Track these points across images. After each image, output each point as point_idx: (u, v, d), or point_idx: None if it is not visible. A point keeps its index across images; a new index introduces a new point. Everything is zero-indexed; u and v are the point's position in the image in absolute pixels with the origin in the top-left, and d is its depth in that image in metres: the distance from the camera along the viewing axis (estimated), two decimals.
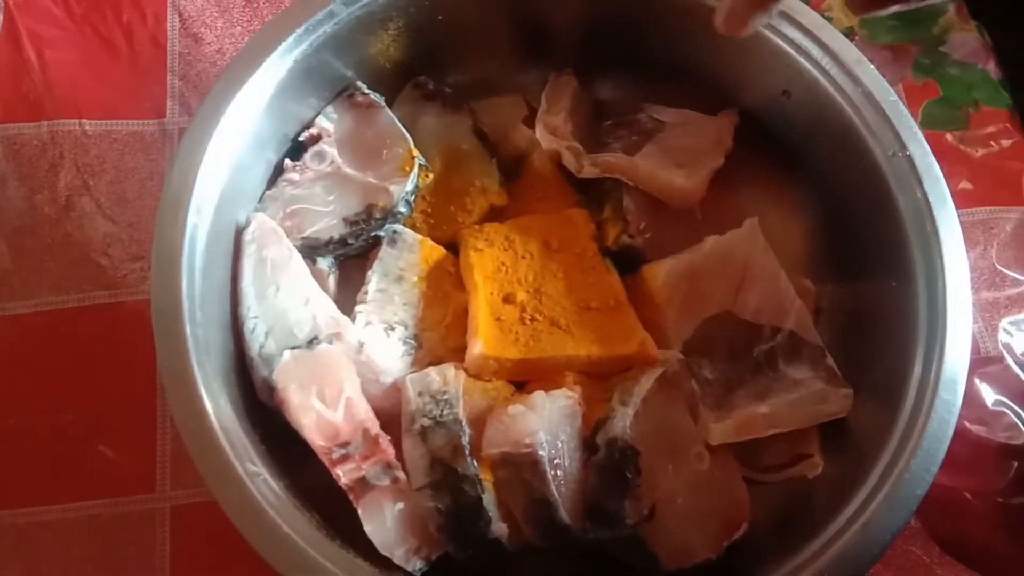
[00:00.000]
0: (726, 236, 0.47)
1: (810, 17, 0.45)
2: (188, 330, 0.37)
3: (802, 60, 0.45)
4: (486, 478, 0.41)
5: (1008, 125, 0.58)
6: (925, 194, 0.41)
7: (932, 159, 0.42)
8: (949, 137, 0.58)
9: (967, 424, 0.50)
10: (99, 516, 0.47)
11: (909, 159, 0.42)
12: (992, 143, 0.58)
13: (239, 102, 0.43)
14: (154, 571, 0.46)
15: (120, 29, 0.59)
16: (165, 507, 0.47)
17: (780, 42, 0.46)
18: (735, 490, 0.44)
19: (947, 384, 0.38)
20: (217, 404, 0.37)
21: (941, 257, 0.40)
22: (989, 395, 0.50)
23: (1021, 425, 0.50)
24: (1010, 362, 0.52)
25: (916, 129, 0.43)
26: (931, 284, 0.40)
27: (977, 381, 0.51)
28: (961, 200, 0.56)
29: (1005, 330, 0.53)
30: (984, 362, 0.52)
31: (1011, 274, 0.54)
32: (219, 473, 0.36)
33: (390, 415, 0.43)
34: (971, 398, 0.50)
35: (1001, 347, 0.52)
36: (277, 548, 0.35)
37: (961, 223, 0.54)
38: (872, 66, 0.44)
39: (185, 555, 0.46)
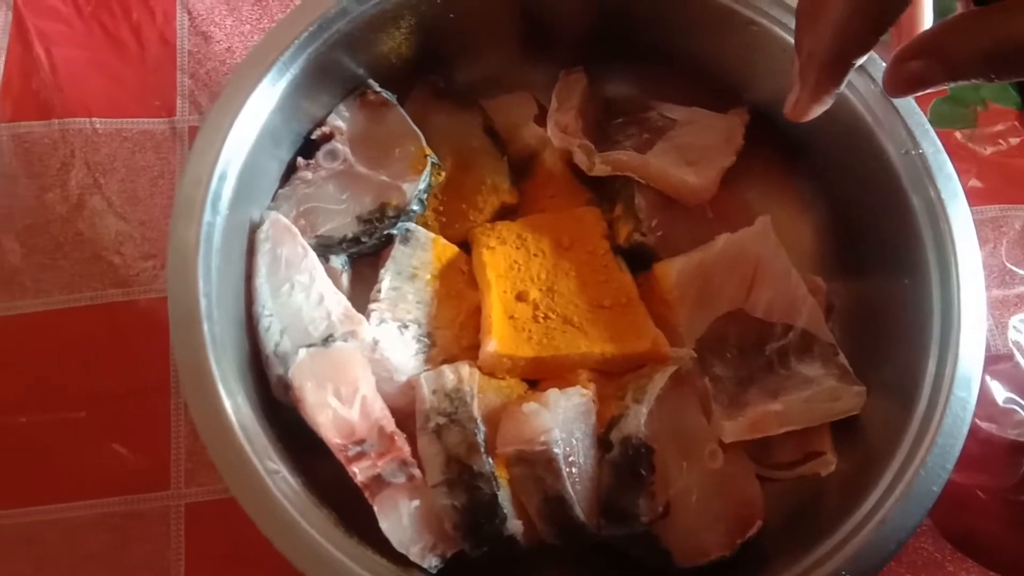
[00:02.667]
0: (738, 234, 0.47)
1: None
2: (205, 328, 0.38)
3: None
4: (501, 475, 0.41)
5: (1016, 123, 0.58)
6: (938, 191, 0.42)
7: (945, 156, 0.42)
8: (958, 135, 0.58)
9: (978, 421, 0.50)
10: (113, 514, 0.47)
11: (922, 157, 0.42)
12: (1001, 141, 0.58)
13: (252, 101, 0.43)
14: (168, 569, 0.46)
15: (129, 27, 0.59)
16: (179, 505, 0.47)
17: (790, 39, 0.45)
18: (748, 488, 0.45)
19: (962, 381, 0.38)
20: (235, 401, 0.37)
21: (955, 254, 0.40)
22: (1000, 392, 0.50)
23: None
24: (1020, 359, 0.52)
25: (928, 127, 0.43)
26: (945, 281, 0.40)
27: (987, 378, 0.51)
28: (970, 198, 0.55)
29: (1015, 328, 0.53)
30: (994, 359, 0.52)
31: (1020, 272, 0.54)
32: (238, 470, 0.36)
33: (404, 413, 0.43)
34: (981, 395, 0.50)
35: (1011, 344, 0.52)
36: (297, 544, 0.35)
37: None
38: (884, 64, 0.44)
39: (199, 552, 0.47)
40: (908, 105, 0.44)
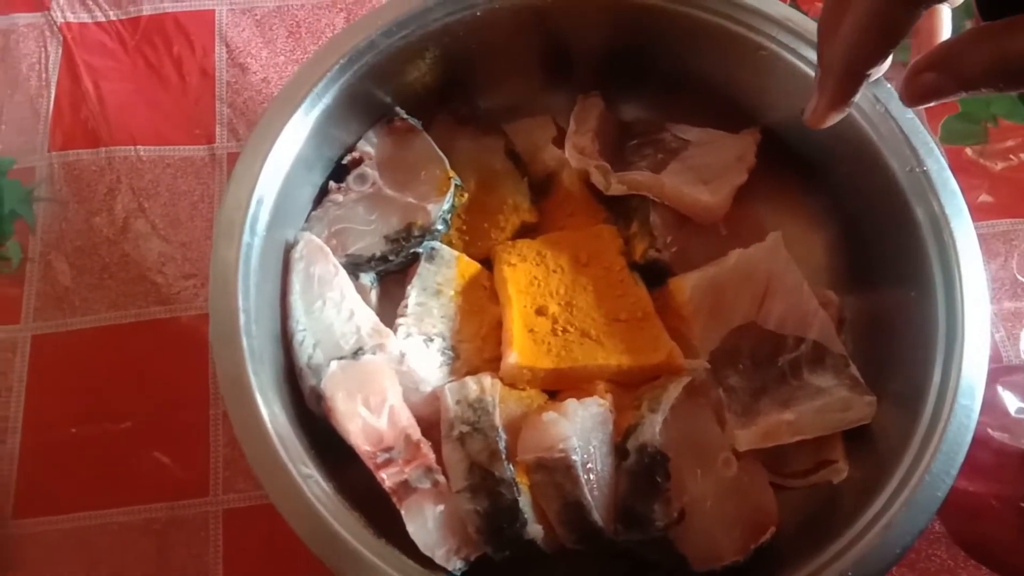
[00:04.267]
0: (750, 250, 0.49)
1: None
2: (244, 342, 0.40)
3: None
4: (522, 481, 0.43)
5: None
6: (942, 207, 0.43)
7: (948, 173, 0.44)
8: (969, 151, 0.59)
9: (990, 431, 0.50)
10: (155, 519, 0.50)
11: (926, 174, 0.44)
12: (1011, 156, 0.59)
13: (287, 130, 0.46)
14: (208, 570, 0.49)
15: (171, 60, 0.62)
16: (218, 510, 0.50)
17: (799, 63, 0.48)
18: (762, 495, 0.46)
19: (966, 390, 0.40)
20: (272, 411, 0.39)
21: (959, 267, 0.42)
22: (1012, 403, 0.51)
23: None
24: None
25: (933, 145, 0.45)
26: (949, 294, 0.42)
27: (1000, 389, 0.51)
28: (981, 213, 0.57)
29: None
30: (1007, 370, 0.53)
31: None
32: (275, 475, 0.38)
33: (430, 422, 0.45)
34: (994, 406, 0.51)
35: (1023, 355, 0.53)
36: (330, 546, 0.37)
37: (982, 235, 0.55)
38: (889, 84, 0.46)
39: (237, 556, 0.49)
40: (912, 124, 0.45)
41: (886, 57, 0.33)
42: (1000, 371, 0.53)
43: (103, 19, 0.64)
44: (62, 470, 0.51)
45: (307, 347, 0.45)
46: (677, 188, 0.50)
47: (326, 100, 0.47)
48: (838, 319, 0.50)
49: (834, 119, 0.37)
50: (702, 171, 0.51)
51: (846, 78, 0.34)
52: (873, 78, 0.34)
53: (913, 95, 0.31)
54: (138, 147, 0.59)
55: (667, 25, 0.51)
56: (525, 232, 0.52)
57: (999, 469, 0.50)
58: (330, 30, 0.64)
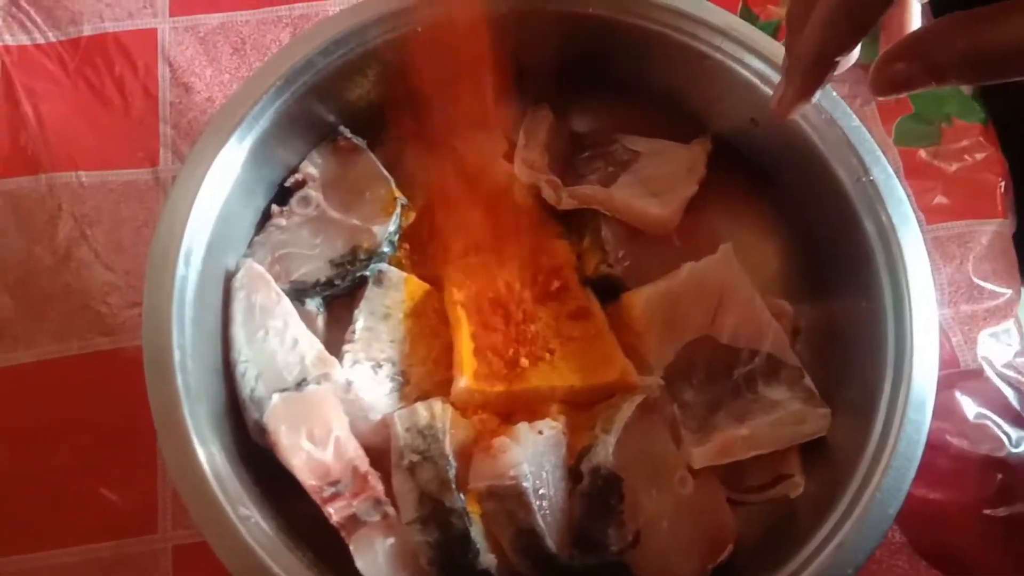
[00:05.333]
0: (701, 262, 0.49)
1: (772, 48, 0.46)
2: (179, 380, 0.39)
3: (766, 88, 0.46)
4: (473, 510, 0.42)
5: (981, 139, 0.59)
6: (889, 216, 0.43)
7: (895, 181, 0.43)
8: (922, 153, 0.58)
9: (949, 438, 0.50)
10: (102, 559, 0.48)
11: (873, 183, 0.43)
12: (966, 157, 0.58)
13: (225, 153, 0.44)
14: None
15: (112, 81, 0.61)
16: (167, 547, 0.49)
17: (746, 73, 0.47)
18: (719, 512, 0.45)
19: (915, 404, 0.39)
20: (209, 451, 0.38)
21: (907, 279, 0.41)
22: (970, 408, 0.51)
23: (1003, 437, 0.50)
24: (990, 374, 0.52)
25: (879, 153, 0.44)
26: (898, 305, 0.41)
27: (958, 394, 0.51)
28: (936, 215, 0.57)
29: (984, 343, 0.53)
30: (964, 375, 0.53)
31: (988, 286, 0.55)
32: (212, 518, 0.37)
33: (380, 450, 0.44)
34: (952, 411, 0.51)
35: (981, 360, 0.53)
36: None
37: (937, 238, 0.56)
38: (835, 93, 0.46)
39: None
40: (858, 132, 0.45)
41: (855, 46, 0.32)
42: (957, 376, 0.53)
43: (42, 41, 0.62)
44: (2, 510, 0.50)
45: (249, 379, 0.43)
46: (627, 201, 0.50)
47: (263, 123, 0.46)
48: (792, 329, 0.49)
49: (800, 109, 0.36)
50: (652, 183, 0.51)
51: (815, 67, 0.34)
52: (840, 69, 0.33)
53: (883, 85, 0.30)
54: (80, 172, 0.58)
55: (615, 36, 0.50)
56: (476, 250, 0.51)
57: (958, 476, 0.50)
58: (276, 45, 0.62)
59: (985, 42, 0.27)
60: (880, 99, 0.61)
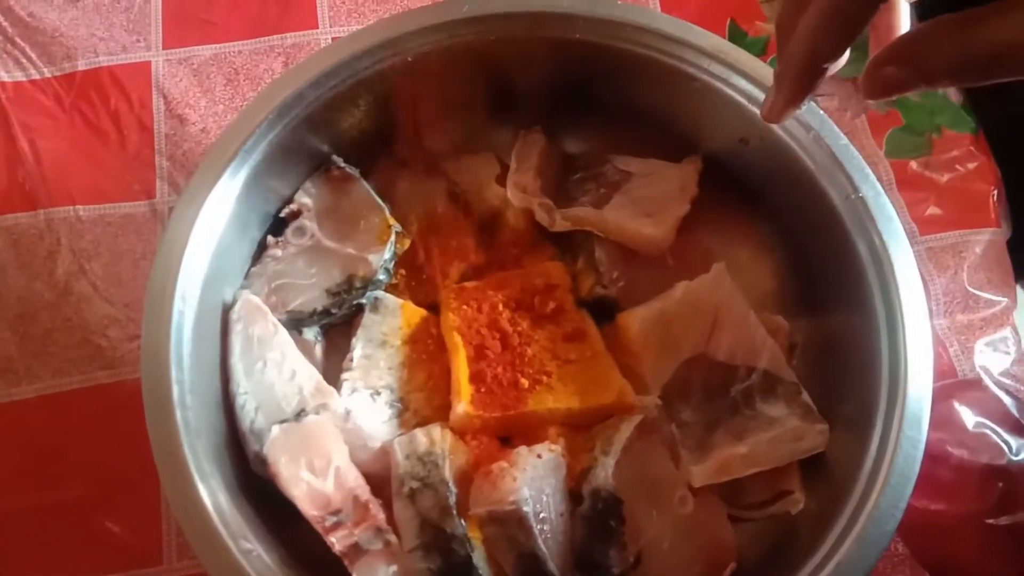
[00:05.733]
0: (695, 282, 0.49)
1: (759, 68, 0.46)
2: (179, 415, 0.39)
3: (754, 109, 0.47)
4: (475, 536, 0.42)
5: (972, 148, 0.59)
6: (880, 235, 0.43)
7: (885, 199, 0.44)
8: (914, 164, 0.59)
9: (949, 448, 0.50)
10: None
11: (863, 200, 0.44)
12: (957, 167, 0.59)
13: (219, 187, 0.45)
14: None
15: (108, 115, 0.61)
16: None
17: (733, 93, 0.47)
18: (720, 531, 0.45)
19: (911, 420, 0.39)
20: (210, 486, 0.39)
21: (899, 296, 0.41)
22: (969, 418, 0.51)
23: (1003, 445, 0.50)
24: (988, 383, 0.52)
25: (868, 171, 0.44)
26: (891, 323, 0.41)
27: (956, 404, 0.51)
28: (929, 225, 0.57)
29: (981, 352, 0.54)
30: (962, 385, 0.53)
31: (984, 295, 0.55)
32: (214, 553, 0.37)
33: (381, 478, 0.44)
34: (951, 421, 0.51)
35: (978, 369, 0.53)
36: None
37: (931, 248, 0.56)
38: (821, 111, 0.46)
39: None
40: (846, 150, 0.45)
41: (844, 50, 0.32)
42: (956, 386, 0.53)
43: (37, 76, 0.63)
44: (7, 543, 0.50)
45: (249, 411, 0.44)
46: (620, 222, 0.50)
47: (257, 155, 0.46)
48: (788, 345, 0.50)
49: (790, 115, 0.36)
50: (645, 203, 0.51)
51: (805, 72, 0.33)
52: (830, 72, 0.33)
53: (874, 89, 0.30)
54: (77, 207, 0.58)
55: (603, 60, 0.50)
56: (472, 274, 0.52)
57: (959, 486, 0.50)
58: (269, 75, 0.63)
59: (975, 43, 0.27)
60: (871, 110, 0.61)
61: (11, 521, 0.50)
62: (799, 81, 0.34)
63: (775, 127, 0.46)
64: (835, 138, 0.45)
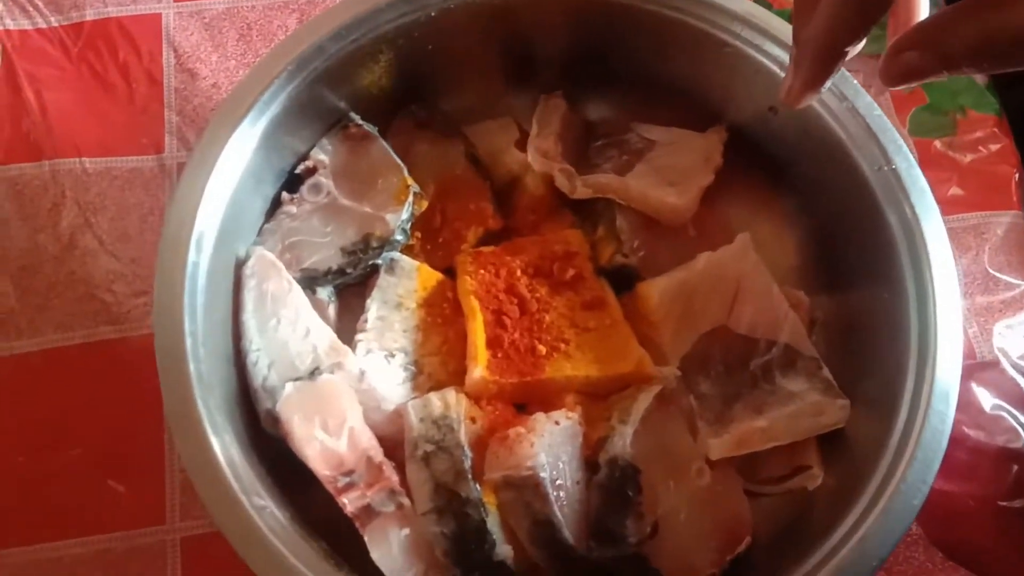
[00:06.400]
0: (718, 252, 0.48)
1: (791, 34, 0.45)
2: (191, 367, 0.38)
3: None
4: (489, 501, 0.41)
5: (995, 130, 0.58)
6: (912, 207, 0.42)
7: (918, 172, 0.43)
8: (937, 144, 0.58)
9: (965, 429, 0.50)
10: (110, 550, 0.48)
11: (895, 172, 0.43)
12: (980, 148, 0.58)
13: (234, 140, 0.44)
14: None
15: (116, 67, 0.60)
16: (176, 539, 0.48)
17: (764, 60, 0.46)
18: (736, 504, 0.45)
19: (940, 395, 0.39)
20: (222, 439, 0.38)
21: (930, 269, 0.41)
22: (987, 400, 0.51)
23: (1019, 428, 0.50)
24: (1006, 366, 0.52)
25: (901, 142, 0.44)
26: (921, 296, 0.41)
27: (974, 386, 0.51)
28: (951, 206, 0.56)
29: (1000, 334, 0.53)
30: (980, 367, 0.52)
31: (1004, 278, 0.55)
32: (226, 507, 0.36)
33: (394, 441, 0.43)
34: (968, 403, 0.51)
35: (997, 351, 0.53)
36: None
37: (952, 229, 0.55)
38: (855, 81, 0.45)
39: None
40: (880, 121, 0.44)
41: (865, 35, 0.32)
42: (974, 368, 0.52)
43: (44, 25, 0.61)
44: (10, 501, 0.49)
45: (261, 368, 0.43)
46: (643, 191, 0.49)
47: (274, 108, 0.45)
48: (808, 320, 0.49)
49: (810, 99, 0.35)
50: (668, 172, 0.50)
51: (823, 56, 0.33)
52: (851, 55, 0.32)
53: (894, 75, 0.29)
54: (83, 159, 0.57)
55: (631, 23, 0.49)
56: (489, 239, 0.51)
57: (975, 468, 0.49)
58: (282, 32, 0.61)
59: (997, 29, 0.26)
60: (893, 90, 0.60)
61: (12, 478, 0.49)
62: (817, 65, 0.34)
63: None
64: (869, 109, 0.44)
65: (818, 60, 0.33)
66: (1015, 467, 0.49)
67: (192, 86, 0.59)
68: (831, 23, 0.31)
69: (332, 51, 0.46)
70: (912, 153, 0.56)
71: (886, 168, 0.43)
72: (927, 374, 0.39)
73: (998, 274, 0.55)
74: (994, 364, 0.52)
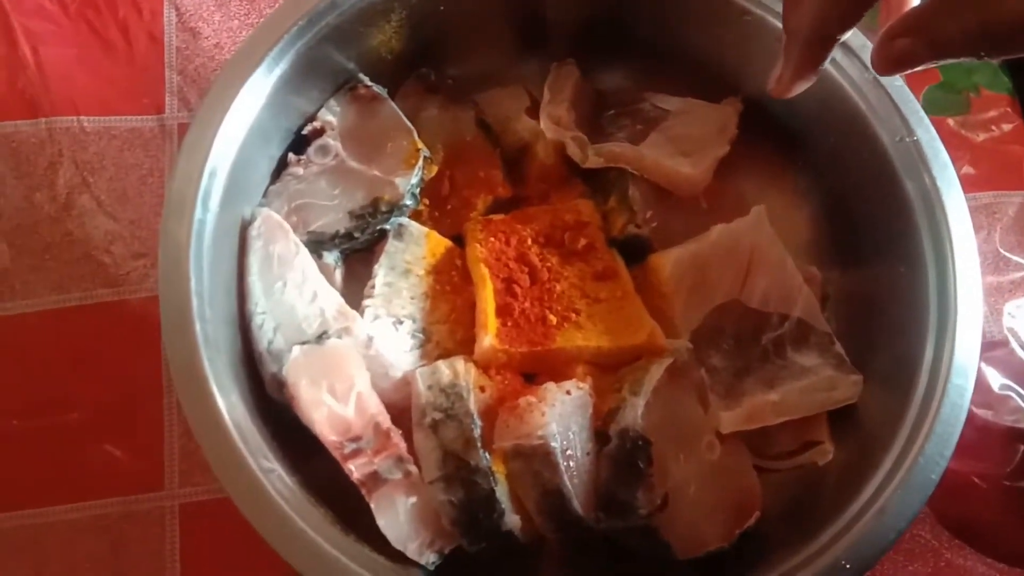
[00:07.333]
0: (732, 224, 0.47)
1: None
2: (198, 327, 0.37)
3: None
4: (498, 470, 0.41)
5: (1009, 109, 0.58)
6: (933, 179, 0.41)
7: (939, 144, 0.42)
8: (951, 122, 0.58)
9: (974, 408, 0.49)
10: (107, 515, 0.47)
11: (916, 144, 0.42)
12: (993, 127, 0.58)
13: (241, 97, 0.42)
14: (164, 570, 0.46)
15: (116, 24, 0.58)
16: (174, 505, 0.47)
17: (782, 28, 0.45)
18: (746, 478, 0.44)
19: (959, 369, 0.38)
20: (229, 400, 0.37)
21: (951, 242, 0.40)
22: (995, 379, 0.50)
23: None
24: (1015, 346, 0.52)
25: (922, 114, 0.43)
26: (941, 270, 0.40)
27: (983, 365, 0.51)
28: (964, 185, 0.55)
29: (1010, 314, 0.53)
30: (989, 346, 0.52)
31: (1015, 258, 0.54)
32: (233, 470, 0.35)
33: (400, 408, 0.43)
34: (977, 383, 0.50)
35: (1006, 331, 0.52)
36: (293, 543, 0.35)
37: None
38: None
39: (195, 552, 0.46)
40: (902, 92, 0.43)
41: (856, 22, 0.31)
42: (983, 347, 0.52)
43: None
44: (5, 465, 0.48)
45: (267, 331, 0.42)
46: (657, 160, 0.48)
47: (283, 65, 0.44)
48: (821, 296, 0.48)
49: (800, 88, 0.35)
50: (683, 142, 0.49)
51: (813, 43, 0.32)
52: (841, 39, 0.32)
53: (885, 63, 0.29)
54: (81, 117, 0.55)
55: None
56: (498, 207, 0.50)
57: (982, 447, 0.49)
58: None
59: (990, 17, 0.26)
60: None
61: (6, 442, 0.48)
62: (808, 53, 0.33)
63: (827, 65, 0.44)
64: (891, 79, 0.43)
65: (809, 49, 0.33)
66: (1022, 447, 0.49)
67: (194, 46, 0.58)
68: (821, 11, 0.31)
69: (345, 7, 0.45)
70: None
71: (907, 139, 0.42)
72: (946, 348, 0.39)
73: (1009, 254, 0.54)
74: (1003, 344, 0.52)
